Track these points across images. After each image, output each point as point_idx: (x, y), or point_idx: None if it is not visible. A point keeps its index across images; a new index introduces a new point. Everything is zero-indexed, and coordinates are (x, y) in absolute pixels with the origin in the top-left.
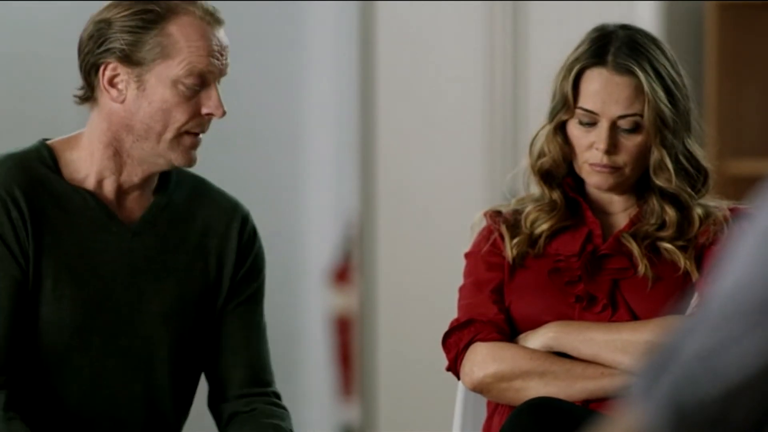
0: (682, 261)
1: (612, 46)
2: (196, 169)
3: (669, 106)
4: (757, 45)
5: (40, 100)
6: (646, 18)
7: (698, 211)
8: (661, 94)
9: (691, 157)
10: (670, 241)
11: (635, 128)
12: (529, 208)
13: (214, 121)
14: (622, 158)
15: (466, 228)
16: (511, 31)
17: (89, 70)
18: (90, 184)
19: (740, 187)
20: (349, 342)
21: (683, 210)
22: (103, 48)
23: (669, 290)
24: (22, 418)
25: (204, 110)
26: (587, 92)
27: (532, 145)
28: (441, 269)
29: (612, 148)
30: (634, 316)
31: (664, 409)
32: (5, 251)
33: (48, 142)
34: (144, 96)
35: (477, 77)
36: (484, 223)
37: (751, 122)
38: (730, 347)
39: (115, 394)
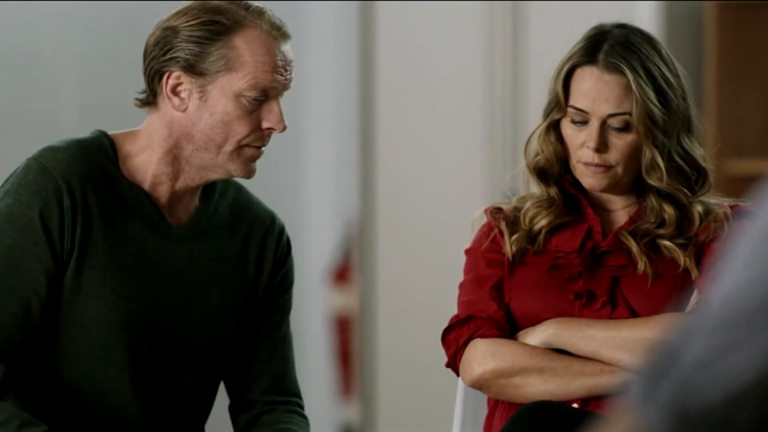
0: (682, 258)
1: (605, 45)
2: None
3: (658, 105)
4: (756, 45)
5: (37, 99)
6: (646, 18)
7: (698, 208)
8: (650, 93)
9: (687, 157)
10: (670, 238)
11: (625, 127)
12: (528, 204)
13: None
14: (613, 157)
15: (466, 227)
16: (511, 31)
17: (153, 75)
18: (146, 184)
19: (739, 187)
20: (349, 341)
21: (682, 208)
22: (168, 56)
23: (669, 288)
24: (32, 399)
25: (265, 124)
26: (578, 91)
27: (527, 143)
28: (441, 268)
29: (602, 146)
30: (634, 314)
31: (665, 415)
32: (43, 237)
33: (108, 133)
34: (206, 107)
35: (477, 77)
36: (484, 220)
37: (751, 122)
38: (731, 353)
39: (149, 394)
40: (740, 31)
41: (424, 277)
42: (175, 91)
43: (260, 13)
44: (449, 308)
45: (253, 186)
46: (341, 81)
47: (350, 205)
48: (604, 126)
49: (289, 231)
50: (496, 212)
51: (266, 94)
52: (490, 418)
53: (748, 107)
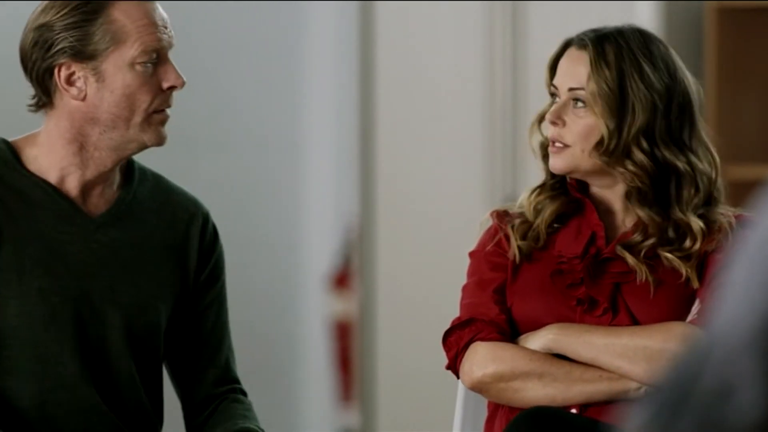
0: (684, 268)
1: (595, 30)
2: (198, 172)
3: (612, 85)
4: (756, 50)
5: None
6: (645, 23)
7: (699, 222)
8: (606, 70)
9: (650, 151)
10: (671, 251)
11: (585, 104)
12: (526, 195)
13: (215, 126)
14: (568, 135)
15: (465, 232)
16: (511, 31)
17: (42, 75)
18: (52, 179)
19: (739, 193)
20: (348, 347)
21: (663, 213)
22: (51, 51)
23: (670, 296)
24: None
25: (165, 84)
26: (557, 69)
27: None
28: (441, 274)
29: (557, 120)
30: (635, 321)
31: None
32: None
33: (9, 140)
34: (105, 86)
35: (477, 78)
36: (490, 223)
37: (750, 128)
38: (746, 384)
39: (98, 381)
40: (740, 36)
41: (423, 282)
42: (69, 82)
43: None
44: (449, 314)
45: (252, 191)
46: (341, 84)
47: (350, 210)
48: (568, 102)
49: (289, 236)
50: (502, 215)
51: (158, 56)
52: (490, 422)
53: (747, 113)
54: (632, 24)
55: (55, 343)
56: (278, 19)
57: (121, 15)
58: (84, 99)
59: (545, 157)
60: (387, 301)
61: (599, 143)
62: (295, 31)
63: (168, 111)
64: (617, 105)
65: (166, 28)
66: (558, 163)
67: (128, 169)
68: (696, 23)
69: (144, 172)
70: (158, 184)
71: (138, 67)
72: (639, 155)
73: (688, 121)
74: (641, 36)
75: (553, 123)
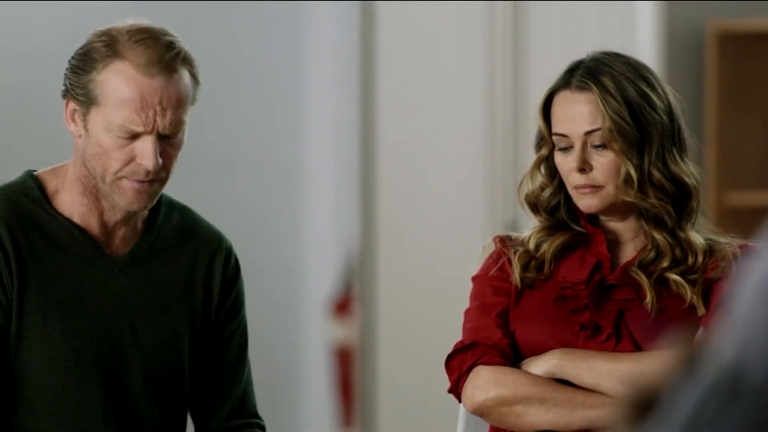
0: (689, 294)
1: (580, 69)
2: (197, 197)
3: (628, 119)
4: (757, 75)
5: (41, 131)
6: (647, 49)
7: (699, 239)
8: (617, 107)
9: (667, 172)
10: (681, 273)
11: (605, 144)
12: (529, 232)
13: (216, 150)
14: (600, 176)
15: (466, 258)
16: (512, 31)
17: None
18: (76, 218)
19: (740, 219)
20: (349, 373)
21: (673, 233)
22: (63, 83)
23: (672, 323)
24: None
25: (137, 159)
26: (556, 117)
27: (520, 184)
28: (441, 300)
29: (585, 165)
30: (638, 347)
31: None
32: None
33: (35, 173)
34: (89, 136)
35: (477, 80)
36: (493, 247)
37: (751, 153)
38: (718, 420)
39: (113, 427)
40: (741, 62)
41: (424, 308)
42: (73, 118)
43: (141, 41)
44: (450, 339)
45: (252, 216)
46: (341, 103)
47: (351, 236)
48: (585, 146)
49: (290, 262)
50: (505, 240)
51: (135, 133)
52: None
53: (749, 139)
54: (602, 50)
55: (76, 387)
56: (278, 22)
57: (109, 78)
58: (80, 137)
59: (535, 207)
60: (388, 327)
61: (627, 180)
62: (295, 34)
63: (148, 183)
64: (635, 137)
65: (162, 108)
66: (594, 203)
67: (155, 203)
68: (697, 49)
69: (171, 205)
70: (184, 217)
71: (112, 134)
72: (660, 179)
73: (682, 132)
74: (623, 59)
75: (582, 170)
